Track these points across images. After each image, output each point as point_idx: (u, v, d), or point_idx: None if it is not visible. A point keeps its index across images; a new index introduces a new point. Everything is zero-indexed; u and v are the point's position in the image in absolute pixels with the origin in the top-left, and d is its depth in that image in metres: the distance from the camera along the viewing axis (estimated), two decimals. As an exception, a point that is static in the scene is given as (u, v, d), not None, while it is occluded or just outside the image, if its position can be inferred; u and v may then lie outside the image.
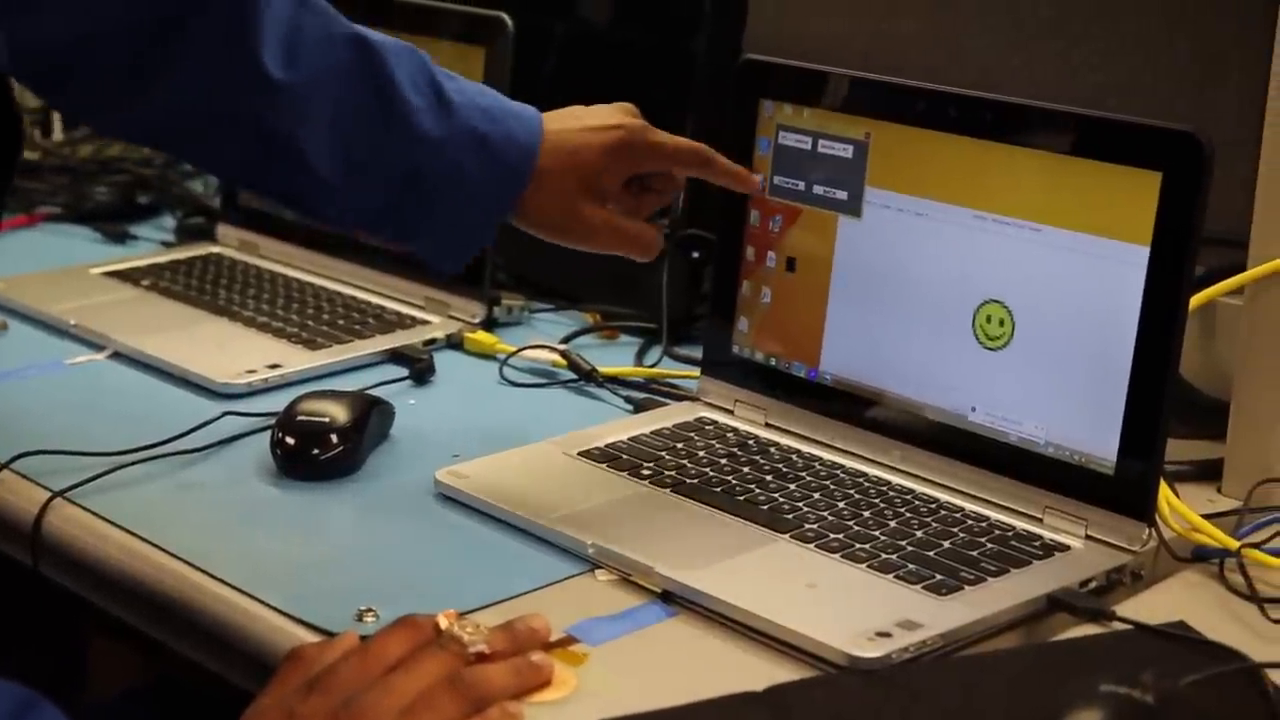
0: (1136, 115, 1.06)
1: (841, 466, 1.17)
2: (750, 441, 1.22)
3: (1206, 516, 1.08)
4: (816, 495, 1.13)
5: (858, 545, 1.06)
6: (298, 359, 1.38)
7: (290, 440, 1.18)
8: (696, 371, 1.31)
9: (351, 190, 1.14)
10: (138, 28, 1.10)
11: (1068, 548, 1.06)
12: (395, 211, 1.15)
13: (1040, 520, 1.09)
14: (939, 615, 0.97)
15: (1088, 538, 1.07)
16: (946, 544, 1.06)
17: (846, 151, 1.19)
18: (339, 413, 1.19)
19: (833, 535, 1.07)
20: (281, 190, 1.17)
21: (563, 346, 1.41)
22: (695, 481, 1.15)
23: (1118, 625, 0.98)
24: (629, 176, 1.17)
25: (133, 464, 1.17)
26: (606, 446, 1.20)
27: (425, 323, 1.46)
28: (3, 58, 1.10)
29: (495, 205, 1.15)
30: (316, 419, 1.18)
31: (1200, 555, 1.07)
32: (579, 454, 1.19)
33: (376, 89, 1.13)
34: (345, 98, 1.12)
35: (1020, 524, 1.09)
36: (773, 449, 1.20)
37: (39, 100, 1.68)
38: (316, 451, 1.17)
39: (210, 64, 1.11)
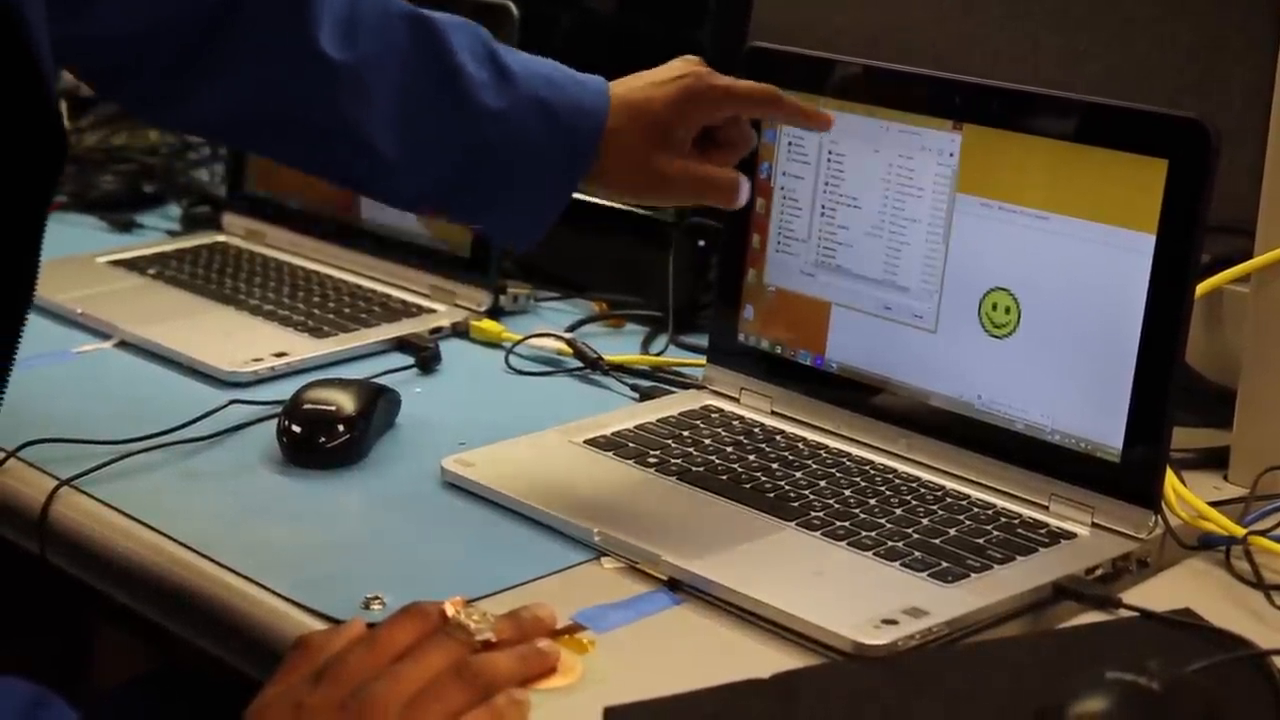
0: (1142, 103, 1.06)
1: (847, 454, 1.17)
2: (756, 429, 1.22)
3: (1213, 504, 1.08)
4: (822, 483, 1.13)
5: (864, 533, 1.06)
6: (304, 347, 1.38)
7: (296, 428, 1.18)
8: (702, 360, 1.31)
9: (417, 169, 1.12)
10: (194, 18, 1.10)
11: (1074, 535, 1.06)
12: (464, 188, 1.13)
13: (1046, 508, 1.09)
14: (945, 602, 0.97)
15: (1094, 525, 1.07)
16: (952, 531, 1.06)
17: (852, 139, 1.19)
18: (345, 401, 1.19)
19: (839, 523, 1.07)
20: (346, 174, 1.16)
21: (569, 335, 1.41)
22: (701, 469, 1.15)
23: (1124, 613, 0.98)
24: (701, 127, 1.13)
25: (139, 452, 1.17)
26: (612, 434, 1.20)
27: (431, 311, 1.46)
28: (60, 55, 1.11)
29: (566, 172, 1.13)
30: (323, 407, 1.18)
31: (1206, 543, 1.07)
32: (585, 442, 1.19)
33: (436, 65, 1.11)
34: (405, 76, 1.11)
35: (1026, 511, 1.09)
36: (778, 437, 1.20)
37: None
38: (323, 440, 1.17)
39: (268, 49, 1.10)
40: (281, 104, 1.12)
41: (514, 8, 1.49)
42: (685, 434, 1.21)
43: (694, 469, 1.15)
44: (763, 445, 1.19)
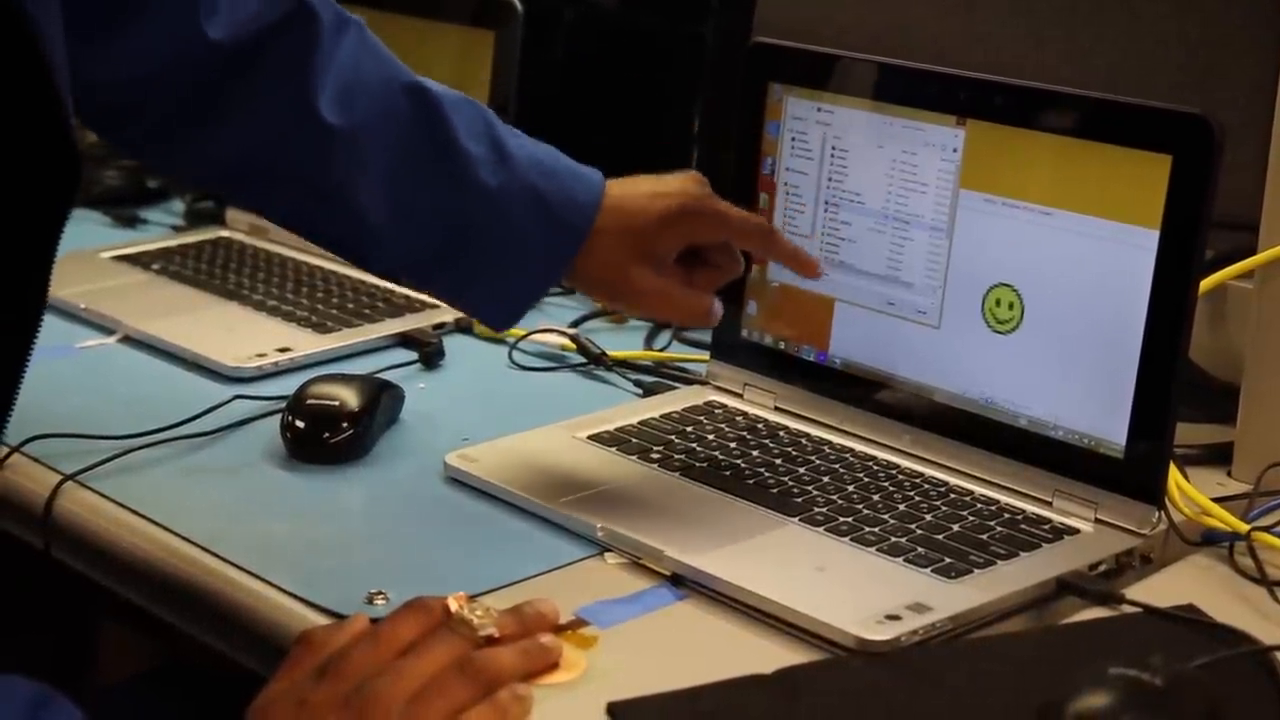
0: (1146, 98, 1.06)
1: (851, 450, 1.17)
2: (759, 425, 1.22)
3: (1216, 500, 1.08)
4: (826, 479, 1.13)
5: (867, 528, 1.06)
6: (307, 343, 1.38)
7: (300, 424, 1.18)
8: (706, 355, 1.31)
9: (402, 240, 1.12)
10: (196, 70, 1.10)
11: (1077, 531, 1.06)
12: (446, 264, 1.13)
13: (1050, 504, 1.09)
14: (948, 598, 0.97)
15: (1097, 521, 1.07)
16: (956, 527, 1.06)
17: (856, 135, 1.19)
18: (349, 396, 1.19)
19: (842, 518, 1.07)
20: (331, 236, 1.15)
21: (572, 330, 1.41)
22: (704, 465, 1.15)
23: (1127, 608, 0.98)
24: (686, 245, 1.13)
25: (143, 447, 1.18)
26: (616, 430, 1.20)
27: (435, 306, 1.46)
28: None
29: (549, 264, 1.13)
30: (326, 403, 1.19)
31: (1210, 539, 1.07)
32: (588, 437, 1.19)
33: (432, 137, 1.11)
34: (400, 145, 1.11)
35: (1030, 507, 1.09)
36: (782, 432, 1.20)
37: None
38: (326, 435, 1.17)
39: (267, 109, 1.10)
40: (275, 162, 1.11)
41: (518, 3, 1.49)
42: (688, 430, 1.21)
43: (697, 465, 1.15)
44: (766, 441, 1.19)
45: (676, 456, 1.16)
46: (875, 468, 1.15)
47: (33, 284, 0.92)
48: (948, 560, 1.02)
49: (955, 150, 1.14)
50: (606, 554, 1.05)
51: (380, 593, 0.98)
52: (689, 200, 1.12)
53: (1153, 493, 1.05)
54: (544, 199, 1.11)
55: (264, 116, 1.11)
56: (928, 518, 1.07)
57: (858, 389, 1.20)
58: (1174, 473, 1.08)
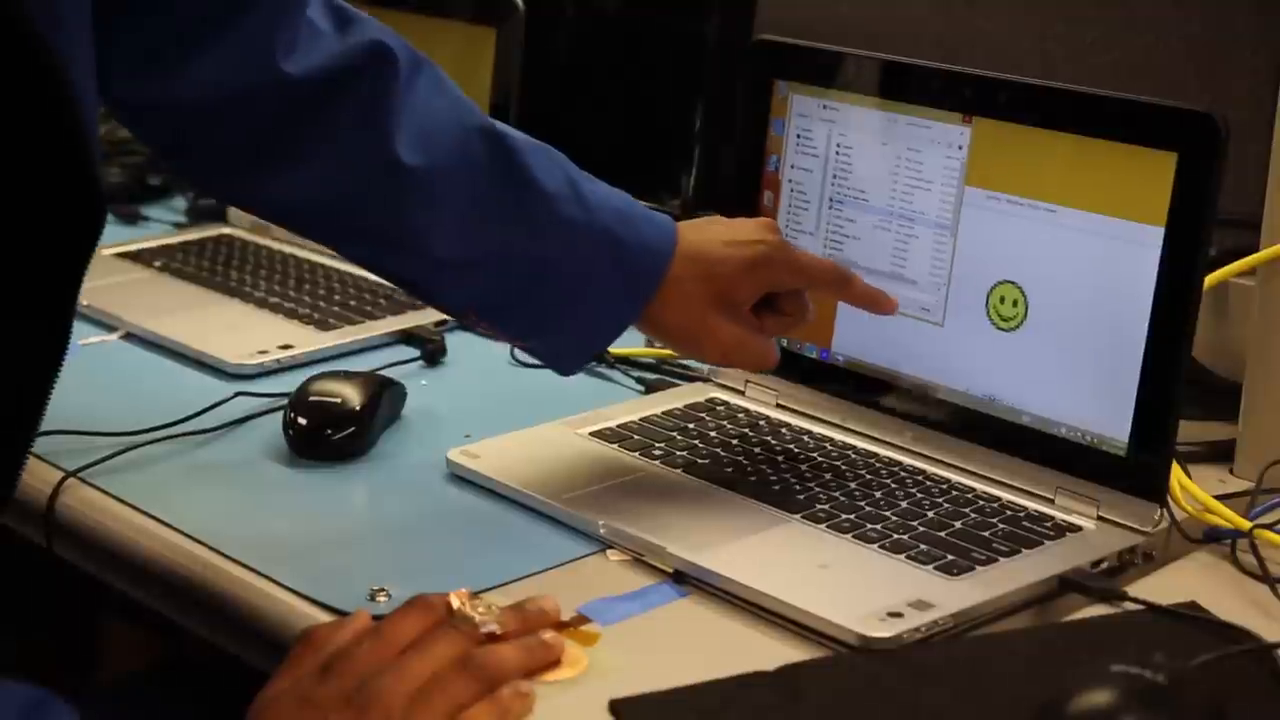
0: (1151, 95, 1.06)
1: (853, 447, 1.17)
2: (761, 422, 1.22)
3: (1218, 497, 1.08)
4: (828, 476, 1.13)
5: (869, 525, 1.06)
6: (310, 340, 1.38)
7: (302, 421, 1.18)
8: (708, 352, 1.31)
9: (474, 280, 1.10)
10: (273, 105, 1.08)
11: (1079, 528, 1.06)
12: (518, 306, 1.11)
13: (1052, 501, 1.09)
14: (951, 595, 0.97)
15: (1100, 518, 1.07)
16: (958, 524, 1.06)
17: (859, 132, 1.19)
18: (351, 393, 1.19)
19: (844, 516, 1.07)
20: (402, 275, 1.13)
21: (574, 327, 1.41)
22: (707, 462, 1.15)
23: (1129, 606, 0.98)
24: (764, 293, 1.12)
25: (146, 444, 1.18)
26: (618, 427, 1.20)
27: (436, 304, 1.46)
28: (133, 117, 1.10)
29: (622, 309, 1.11)
30: (329, 399, 1.18)
31: (1212, 536, 1.07)
32: (590, 434, 1.19)
33: (508, 179, 1.09)
34: (477, 186, 1.08)
35: (1032, 504, 1.09)
36: (784, 430, 1.20)
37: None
38: (329, 432, 1.17)
39: (344, 149, 1.08)
40: (347, 202, 1.09)
41: (519, 1, 1.48)
42: (690, 426, 1.21)
43: (699, 461, 1.15)
44: (768, 438, 1.19)
45: (678, 453, 1.16)
46: (877, 465, 1.15)
47: (57, 322, 0.91)
48: (950, 557, 1.02)
49: (960, 147, 1.13)
50: (609, 551, 1.05)
51: (382, 589, 0.98)
52: (767, 249, 1.10)
53: (1155, 490, 1.05)
54: (620, 242, 1.09)
55: (340, 158, 1.08)
56: (930, 515, 1.07)
57: (860, 386, 1.20)
58: (1176, 470, 1.08)
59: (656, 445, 1.17)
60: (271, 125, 1.08)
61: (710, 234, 1.11)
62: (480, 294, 1.11)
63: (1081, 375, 1.09)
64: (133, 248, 1.60)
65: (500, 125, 1.11)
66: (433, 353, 1.37)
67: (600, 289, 1.09)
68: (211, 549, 1.04)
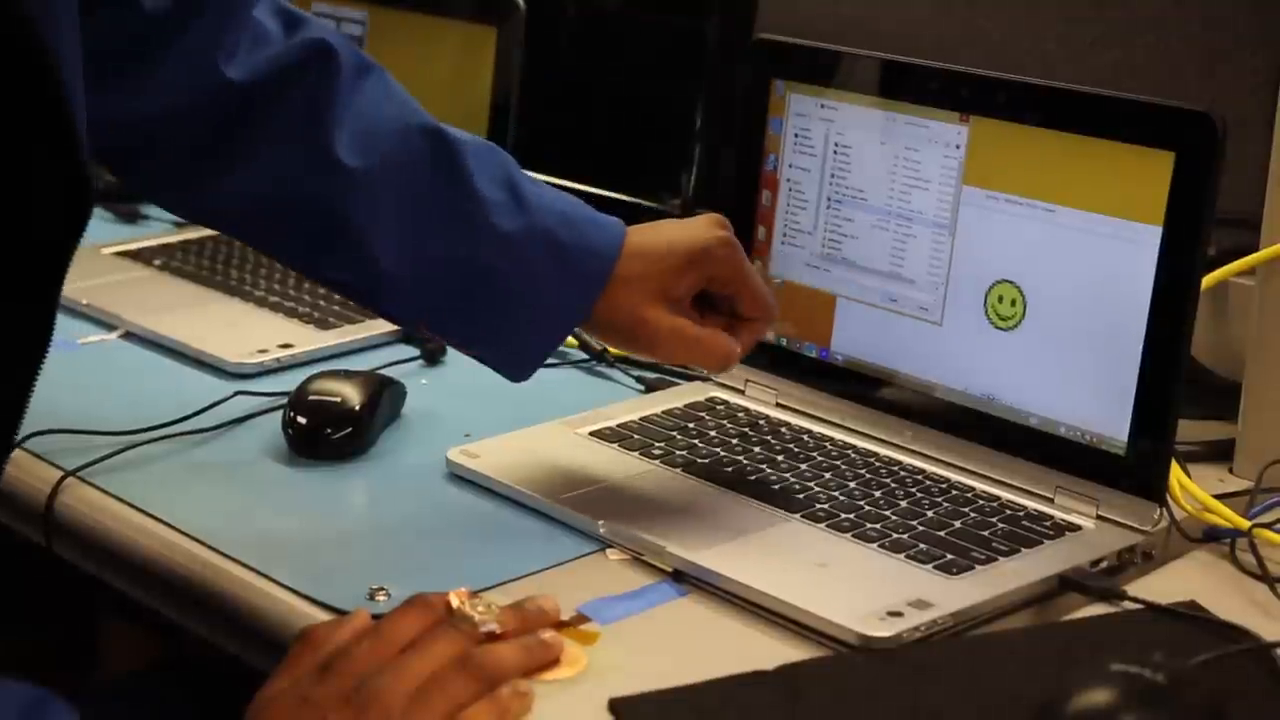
0: (1148, 95, 1.06)
1: (852, 446, 1.17)
2: (761, 421, 1.22)
3: (1218, 497, 1.08)
4: (827, 475, 1.13)
5: (869, 525, 1.06)
6: (309, 339, 1.38)
7: (302, 420, 1.18)
8: (707, 352, 1.31)
9: (416, 286, 1.09)
10: (216, 110, 1.08)
11: (1079, 528, 1.06)
12: (459, 312, 1.10)
13: (1051, 500, 1.09)
14: (950, 595, 0.97)
15: (1099, 518, 1.07)
16: (958, 524, 1.06)
17: (858, 131, 1.19)
18: (351, 392, 1.19)
19: (844, 515, 1.07)
20: (345, 281, 1.12)
21: (574, 327, 1.41)
22: (706, 461, 1.15)
23: (1129, 605, 0.98)
24: (701, 287, 1.11)
25: (145, 443, 1.18)
26: (618, 426, 1.20)
27: (436, 303, 1.46)
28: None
29: (566, 312, 1.10)
30: (328, 399, 1.18)
31: (1211, 535, 1.07)
32: (590, 434, 1.19)
33: (450, 181, 1.08)
34: (415, 189, 1.08)
35: (1031, 504, 1.09)
36: (784, 429, 1.20)
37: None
38: (328, 431, 1.17)
39: (284, 148, 1.08)
40: (289, 204, 1.09)
41: (520, 1, 1.48)
42: (690, 426, 1.21)
43: (699, 461, 1.15)
44: (768, 437, 1.19)
45: (678, 453, 1.16)
46: (877, 464, 1.15)
47: (39, 311, 0.91)
48: (949, 557, 1.02)
49: (958, 147, 1.14)
50: (608, 550, 1.05)
51: (382, 589, 0.98)
52: (712, 242, 1.09)
53: (1154, 489, 1.05)
54: (562, 247, 1.08)
55: (280, 157, 1.08)
56: (929, 514, 1.07)
57: (859, 385, 1.20)
58: (1175, 469, 1.08)
59: (656, 445, 1.17)
60: (215, 130, 1.08)
61: (659, 232, 1.11)
62: (421, 301, 1.10)
63: (1080, 374, 1.09)
64: (132, 246, 1.60)
65: (446, 127, 1.10)
66: (432, 352, 1.37)
67: (542, 296, 1.08)
68: (211, 548, 1.04)
